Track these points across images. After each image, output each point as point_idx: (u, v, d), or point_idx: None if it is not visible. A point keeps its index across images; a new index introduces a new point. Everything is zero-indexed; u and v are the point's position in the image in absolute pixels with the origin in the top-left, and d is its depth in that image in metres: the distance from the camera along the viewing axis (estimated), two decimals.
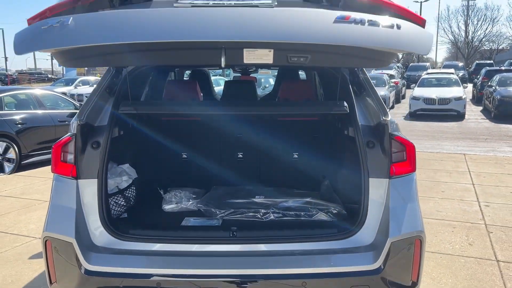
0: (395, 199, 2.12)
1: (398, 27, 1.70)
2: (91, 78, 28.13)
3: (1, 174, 7.20)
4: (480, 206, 5.23)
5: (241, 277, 1.96)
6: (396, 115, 17.05)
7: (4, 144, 7.31)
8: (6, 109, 7.77)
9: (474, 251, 3.91)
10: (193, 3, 1.85)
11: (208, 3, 1.85)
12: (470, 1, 51.50)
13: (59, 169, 2.16)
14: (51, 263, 2.11)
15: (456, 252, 3.89)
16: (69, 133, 2.22)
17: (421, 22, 1.81)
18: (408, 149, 2.18)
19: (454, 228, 4.51)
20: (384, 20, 1.73)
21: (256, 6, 1.82)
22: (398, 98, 21.70)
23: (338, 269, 1.98)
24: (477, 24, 52.40)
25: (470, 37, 53.22)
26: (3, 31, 71.94)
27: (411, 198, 2.17)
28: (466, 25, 52.85)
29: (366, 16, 1.71)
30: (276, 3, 1.86)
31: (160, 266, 2.01)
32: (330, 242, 2.08)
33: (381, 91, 16.83)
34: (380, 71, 25.32)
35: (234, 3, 1.84)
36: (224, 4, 1.83)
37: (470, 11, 51.94)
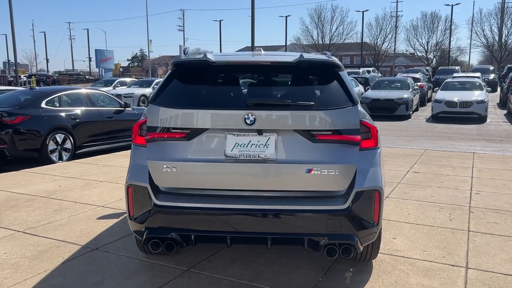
0: (362, 164, 3.04)
1: None
2: (127, 80, 29.78)
3: (60, 161, 8.43)
4: (471, 194, 6.01)
5: (262, 211, 2.92)
6: (419, 118, 17.66)
7: (63, 135, 8.56)
8: (63, 106, 9.02)
9: (452, 224, 4.75)
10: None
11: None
12: (505, 3, 50.79)
13: (137, 140, 3.18)
14: (131, 203, 3.12)
15: (436, 224, 4.74)
16: (143, 116, 3.23)
17: None
18: (372, 130, 3.10)
19: (441, 208, 5.34)
20: None
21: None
22: (424, 101, 22.17)
23: (321, 207, 2.93)
24: (511, 27, 51.62)
25: (503, 40, 52.46)
26: (45, 34, 75.55)
27: (374, 164, 3.09)
28: (500, 28, 52.13)
29: None
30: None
31: (201, 202, 2.98)
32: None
33: (404, 94, 17.47)
34: (406, 74, 25.79)
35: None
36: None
37: (505, 14, 51.23)
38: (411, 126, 15.13)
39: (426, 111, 19.63)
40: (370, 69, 40.84)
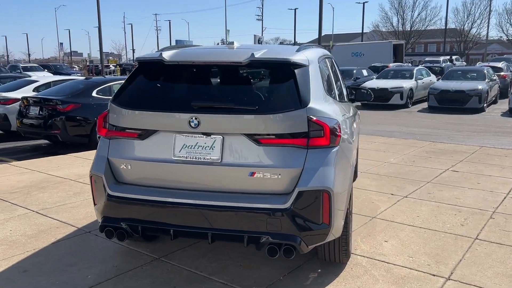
0: (309, 164, 2.93)
1: None
2: None
3: None
4: (504, 198, 5.49)
5: (204, 206, 2.94)
6: (494, 111, 16.32)
7: None
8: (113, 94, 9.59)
9: (461, 230, 4.38)
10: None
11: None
12: None
13: (100, 132, 3.34)
14: (93, 192, 3.31)
15: (442, 229, 4.41)
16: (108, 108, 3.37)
17: None
18: (325, 129, 2.95)
19: (459, 212, 4.95)
20: None
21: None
22: (506, 92, 20.34)
23: (261, 206, 2.87)
24: None
25: None
26: (132, 26, 79.99)
27: (325, 163, 2.94)
28: None
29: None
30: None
31: (149, 195, 3.08)
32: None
33: (478, 85, 16.19)
34: (486, 64, 23.81)
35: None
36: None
37: None
38: (481, 120, 13.99)
39: (506, 104, 18.01)
40: (454, 57, 38.13)
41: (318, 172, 2.91)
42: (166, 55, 3.16)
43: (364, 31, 56.87)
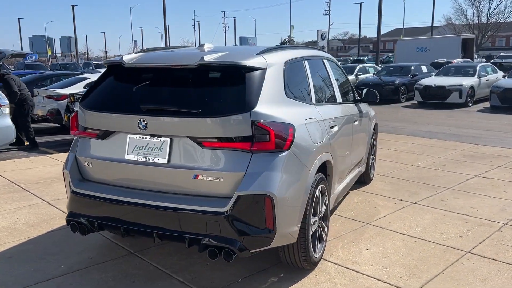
0: (253, 167, 2.90)
1: None
2: None
3: None
4: None
5: (150, 206, 3.01)
6: None
7: None
8: None
9: (456, 242, 4.11)
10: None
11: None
12: None
13: (72, 131, 3.55)
14: (65, 187, 3.53)
15: (435, 240, 4.16)
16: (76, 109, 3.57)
17: None
18: (271, 133, 2.91)
19: (465, 222, 4.63)
20: None
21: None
22: None
23: (201, 208, 2.90)
24: None
25: None
26: (199, 23, 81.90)
27: (270, 168, 2.90)
28: None
29: None
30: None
31: (104, 192, 3.22)
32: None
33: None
34: None
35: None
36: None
37: None
38: None
39: None
40: None
41: (261, 177, 2.88)
42: (126, 58, 3.29)
43: (436, 25, 54.02)
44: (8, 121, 8.07)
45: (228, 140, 2.90)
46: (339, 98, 4.50)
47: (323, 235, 3.71)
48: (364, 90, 5.39)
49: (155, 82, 3.23)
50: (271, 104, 3.06)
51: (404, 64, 21.30)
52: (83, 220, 3.25)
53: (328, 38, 66.06)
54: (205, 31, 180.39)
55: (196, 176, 2.95)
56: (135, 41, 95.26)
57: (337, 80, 4.67)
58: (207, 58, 3.02)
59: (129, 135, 3.15)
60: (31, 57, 37.73)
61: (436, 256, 3.82)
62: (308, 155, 3.24)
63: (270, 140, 2.91)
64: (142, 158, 3.10)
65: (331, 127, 3.86)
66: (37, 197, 5.44)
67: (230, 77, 3.05)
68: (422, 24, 65.09)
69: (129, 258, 3.75)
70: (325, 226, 3.75)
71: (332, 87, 4.42)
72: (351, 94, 5.24)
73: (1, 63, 9.08)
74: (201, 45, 3.61)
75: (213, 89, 3.07)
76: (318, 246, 3.63)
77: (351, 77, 20.59)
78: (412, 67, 19.59)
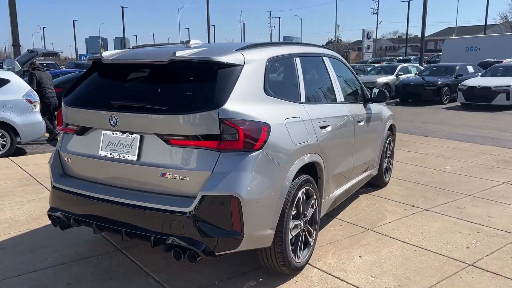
0: (220, 167, 2.79)
1: None
2: None
3: None
4: None
5: (119, 204, 2.99)
6: None
7: None
8: None
9: (460, 253, 3.82)
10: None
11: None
12: None
13: (58, 126, 3.59)
14: (50, 180, 3.59)
15: (438, 250, 3.88)
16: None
17: None
18: (240, 132, 2.79)
19: (477, 232, 4.30)
20: None
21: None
22: None
23: (166, 207, 2.83)
24: None
25: None
26: (244, 23, 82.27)
27: (238, 169, 2.78)
28: None
29: None
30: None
31: (79, 188, 3.23)
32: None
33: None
34: None
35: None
36: None
37: None
38: None
39: None
40: None
41: (228, 177, 2.78)
42: (105, 54, 3.28)
43: (491, 23, 51.36)
44: (38, 117, 8.40)
45: (195, 138, 2.81)
46: (340, 98, 4.29)
47: (310, 239, 3.55)
48: (374, 90, 5.15)
49: (129, 78, 3.21)
50: (246, 102, 2.95)
51: (448, 63, 20.38)
52: (61, 215, 3.28)
53: (376, 37, 64.52)
54: (250, 31, 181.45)
55: (163, 175, 2.89)
56: (182, 41, 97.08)
57: (340, 79, 4.47)
58: (179, 54, 2.95)
59: (103, 131, 3.14)
60: (85, 57, 39.60)
61: (433, 267, 3.56)
62: (286, 155, 3.09)
63: (239, 139, 2.80)
64: (114, 155, 3.08)
65: (323, 127, 3.68)
66: (48, 190, 5.58)
67: (201, 74, 2.97)
68: (476, 23, 62.05)
69: (115, 254, 3.76)
70: (312, 230, 3.58)
71: (332, 86, 4.23)
72: (360, 93, 5.01)
73: (34, 60, 9.48)
74: (187, 41, 3.55)
75: (182, 86, 2.99)
76: (303, 251, 3.47)
77: (391, 77, 19.95)
78: (457, 67, 18.69)
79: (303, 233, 3.46)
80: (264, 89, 3.16)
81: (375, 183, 5.75)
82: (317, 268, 3.54)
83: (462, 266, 3.58)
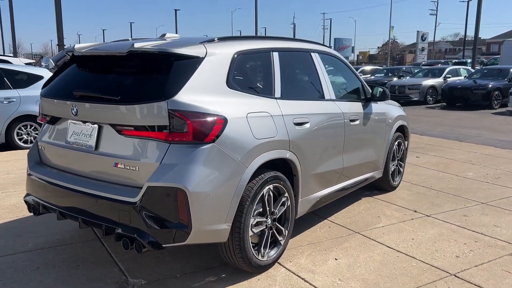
0: (168, 158, 2.77)
1: None
2: (368, 68, 29.29)
3: None
4: None
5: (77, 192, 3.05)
6: None
7: None
8: None
9: (446, 262, 3.57)
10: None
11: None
12: None
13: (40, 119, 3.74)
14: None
15: (421, 257, 3.65)
16: None
17: None
18: (189, 123, 2.76)
19: (475, 242, 4.01)
20: None
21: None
22: None
23: (114, 197, 2.84)
24: None
25: None
26: (294, 25, 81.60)
27: (187, 161, 2.75)
28: None
29: None
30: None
31: (46, 176, 3.33)
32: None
33: None
34: None
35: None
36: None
37: None
38: None
39: None
40: None
41: (176, 169, 2.76)
42: (77, 47, 3.37)
43: None
44: None
45: (145, 129, 2.82)
46: (329, 95, 4.14)
47: (279, 238, 3.46)
48: (378, 89, 4.94)
49: (94, 70, 3.28)
50: (203, 94, 2.92)
51: (502, 66, 19.25)
52: (32, 201, 3.41)
53: (434, 39, 62.04)
54: (303, 32, 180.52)
55: (116, 164, 2.92)
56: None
57: (332, 76, 4.32)
58: (138, 45, 2.97)
59: (69, 121, 3.24)
60: None
61: (410, 274, 3.35)
62: (244, 150, 3.02)
63: (188, 131, 2.78)
64: (77, 144, 3.17)
65: (298, 124, 3.57)
66: None
67: (157, 65, 2.97)
68: None
69: (93, 243, 3.85)
70: (283, 229, 3.48)
71: (319, 83, 4.09)
72: (361, 92, 4.82)
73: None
74: (163, 35, 3.57)
75: (138, 77, 3.02)
76: (271, 249, 3.39)
77: (438, 80, 19.10)
78: (511, 70, 17.57)
79: (271, 231, 3.37)
80: (227, 82, 3.11)
81: (381, 187, 5.52)
82: (285, 267, 3.44)
83: (442, 276, 3.34)
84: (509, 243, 3.99)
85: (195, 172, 2.78)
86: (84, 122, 3.11)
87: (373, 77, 23.07)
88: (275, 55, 3.63)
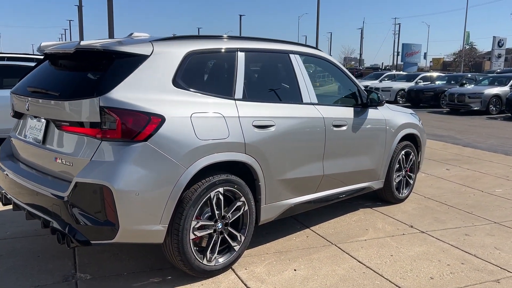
0: (99, 155, 2.76)
1: None
2: (434, 74, 28.15)
3: None
4: None
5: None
6: None
7: None
8: None
9: (414, 283, 3.25)
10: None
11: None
12: None
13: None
14: None
15: (390, 276, 3.35)
16: None
17: None
18: (118, 120, 2.73)
19: (461, 264, 3.63)
20: None
21: None
22: None
23: (50, 191, 2.89)
24: None
25: None
26: (362, 30, 79.56)
27: (116, 158, 2.70)
28: None
29: None
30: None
31: (9, 168, 3.45)
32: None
33: None
34: None
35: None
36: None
37: None
38: None
39: None
40: None
41: (103, 166, 2.76)
42: (42, 45, 3.49)
43: None
44: None
45: (79, 125, 2.86)
46: (308, 99, 3.93)
47: (233, 244, 3.34)
48: (374, 94, 4.64)
49: (50, 67, 3.38)
50: (141, 93, 2.90)
51: None
52: (1, 195, 3.57)
53: None
54: (372, 37, 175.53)
55: (56, 159, 2.99)
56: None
57: (316, 79, 4.13)
58: (84, 43, 3.04)
59: (28, 116, 3.36)
60: None
61: None
62: (184, 150, 2.95)
63: (117, 128, 2.77)
64: (29, 138, 3.29)
65: (260, 127, 3.43)
66: None
67: (99, 63, 2.99)
68: None
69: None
70: (238, 235, 3.37)
71: (296, 85, 3.91)
72: (356, 97, 4.55)
73: None
74: (130, 34, 3.61)
75: (79, 74, 3.07)
76: (222, 255, 3.29)
77: (503, 88, 17.69)
78: None
79: (221, 236, 3.27)
80: (173, 81, 3.07)
81: (384, 198, 5.18)
82: (237, 274, 3.32)
83: None
84: (501, 268, 3.57)
85: (123, 170, 2.76)
86: (35, 117, 3.23)
87: (433, 84, 21.84)
88: (240, 56, 3.52)
